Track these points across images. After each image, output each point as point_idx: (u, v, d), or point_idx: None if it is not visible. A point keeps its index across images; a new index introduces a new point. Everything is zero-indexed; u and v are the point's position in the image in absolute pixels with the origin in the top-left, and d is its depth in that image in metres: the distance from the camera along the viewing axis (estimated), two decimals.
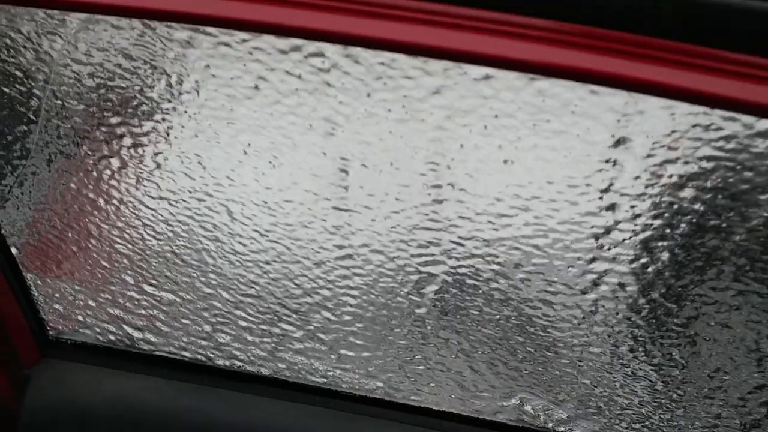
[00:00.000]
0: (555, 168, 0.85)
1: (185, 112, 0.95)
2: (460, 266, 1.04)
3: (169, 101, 0.95)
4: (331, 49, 0.80)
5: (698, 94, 0.71)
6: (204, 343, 1.28)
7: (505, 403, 1.20)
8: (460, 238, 1.00)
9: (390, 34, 0.71)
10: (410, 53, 0.74)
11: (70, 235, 1.21)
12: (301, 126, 0.91)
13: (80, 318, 1.32)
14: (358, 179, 0.96)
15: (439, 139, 0.88)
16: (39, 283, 1.29)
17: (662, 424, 1.14)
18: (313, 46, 0.80)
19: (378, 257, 1.07)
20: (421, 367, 1.20)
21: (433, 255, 1.04)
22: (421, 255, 1.04)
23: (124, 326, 1.30)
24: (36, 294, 1.31)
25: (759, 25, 0.67)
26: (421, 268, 1.06)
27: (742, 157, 0.80)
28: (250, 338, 1.25)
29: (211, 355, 1.29)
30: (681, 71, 0.70)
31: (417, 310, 1.12)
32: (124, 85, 0.95)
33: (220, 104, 0.92)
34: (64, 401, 1.35)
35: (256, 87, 0.88)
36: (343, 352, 1.22)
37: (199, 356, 1.30)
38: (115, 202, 1.13)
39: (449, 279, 1.06)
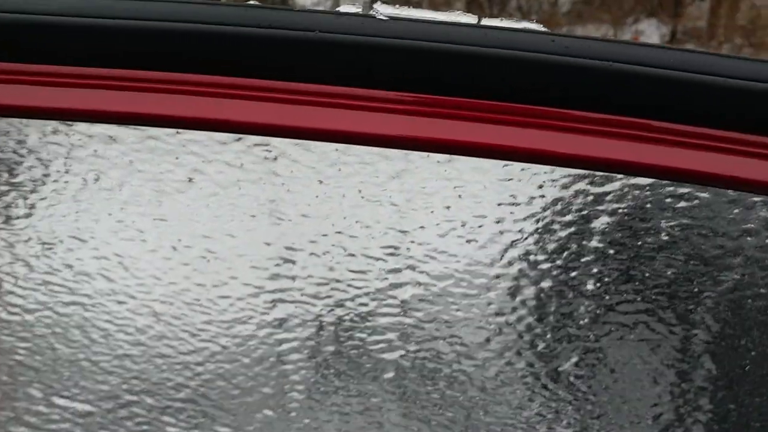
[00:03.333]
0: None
1: (102, 210, 0.83)
2: (419, 350, 0.96)
3: (82, 200, 0.82)
4: (277, 139, 0.71)
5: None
6: None
7: None
8: (419, 321, 0.92)
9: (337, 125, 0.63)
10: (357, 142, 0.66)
11: None
12: (241, 217, 0.81)
13: None
14: (307, 268, 0.87)
15: (398, 222, 0.80)
16: None
17: None
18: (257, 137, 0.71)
19: None
20: None
21: (390, 341, 0.95)
22: (377, 342, 0.95)
23: None
24: None
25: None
26: (377, 356, 0.97)
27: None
28: None
29: None
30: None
31: (373, 400, 1.03)
32: (29, 186, 0.82)
33: (147, 200, 0.80)
34: None
35: (190, 180, 0.77)
36: None
37: None
38: (17, 311, 0.97)
39: (406, 364, 0.98)
